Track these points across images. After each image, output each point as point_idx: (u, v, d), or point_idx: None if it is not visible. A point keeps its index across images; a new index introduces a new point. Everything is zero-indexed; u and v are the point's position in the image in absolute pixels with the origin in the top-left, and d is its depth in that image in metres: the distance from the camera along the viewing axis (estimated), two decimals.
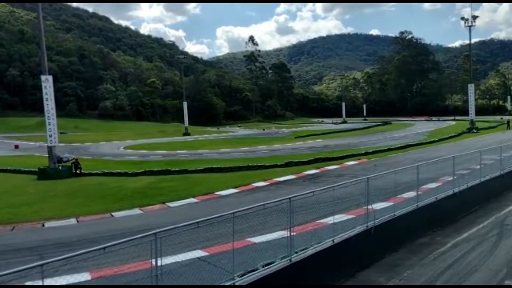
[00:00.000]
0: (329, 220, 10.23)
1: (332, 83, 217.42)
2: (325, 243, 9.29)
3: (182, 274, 7.77)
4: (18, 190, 24.84)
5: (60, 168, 30.21)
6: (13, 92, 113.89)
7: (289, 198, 8.53)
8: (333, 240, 9.43)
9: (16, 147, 58.22)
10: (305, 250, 8.75)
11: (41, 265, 5.08)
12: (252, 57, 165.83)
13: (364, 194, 10.88)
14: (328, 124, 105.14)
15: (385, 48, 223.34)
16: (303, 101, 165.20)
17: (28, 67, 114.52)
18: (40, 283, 5.25)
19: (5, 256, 12.01)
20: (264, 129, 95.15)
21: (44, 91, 29.84)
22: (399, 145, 38.74)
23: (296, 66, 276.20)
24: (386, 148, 37.04)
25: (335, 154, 33.66)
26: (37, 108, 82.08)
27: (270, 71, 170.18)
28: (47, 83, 29.79)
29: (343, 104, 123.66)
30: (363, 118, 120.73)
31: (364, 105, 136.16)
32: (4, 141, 70.08)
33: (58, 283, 6.67)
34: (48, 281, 5.28)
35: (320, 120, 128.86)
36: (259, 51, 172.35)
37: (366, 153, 33.69)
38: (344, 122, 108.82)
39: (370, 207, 10.60)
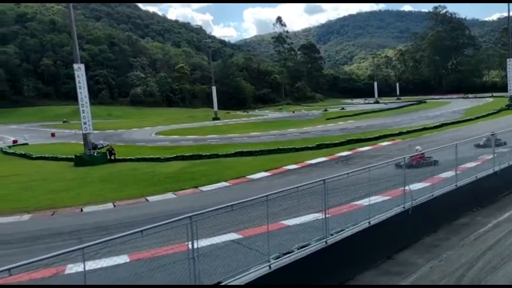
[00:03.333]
0: (365, 201, 10.04)
1: (363, 62, 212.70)
2: (361, 224, 9.13)
3: (218, 256, 7.80)
4: (56, 177, 25.66)
5: (95, 154, 30.97)
6: (48, 82, 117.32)
7: (323, 180, 8.39)
8: (369, 222, 9.25)
9: (53, 135, 60.21)
10: (340, 232, 8.62)
11: (82, 248, 5.17)
12: (280, 39, 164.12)
13: (400, 175, 10.60)
14: (360, 104, 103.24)
15: (418, 24, 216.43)
16: (334, 81, 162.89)
17: (60, 57, 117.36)
18: (81, 265, 5.36)
19: (47, 240, 12.44)
20: (293, 112, 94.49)
21: (77, 79, 30.48)
22: (434, 124, 37.64)
23: (326, 46, 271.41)
24: (421, 127, 36.03)
25: (368, 135, 33.06)
26: (71, 96, 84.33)
27: (299, 52, 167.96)
28: (80, 72, 30.39)
29: (375, 83, 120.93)
30: (396, 98, 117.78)
31: (397, 84, 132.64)
32: (41, 129, 72.53)
33: (98, 266, 6.83)
34: (89, 264, 5.39)
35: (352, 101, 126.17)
36: (287, 32, 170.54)
37: (401, 133, 32.90)
38: (377, 102, 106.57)
39: (407, 187, 10.32)
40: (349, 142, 30.07)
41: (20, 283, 6.49)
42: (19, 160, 36.01)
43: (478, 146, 15.49)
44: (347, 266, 8.40)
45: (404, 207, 10.18)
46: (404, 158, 10.62)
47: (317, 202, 8.72)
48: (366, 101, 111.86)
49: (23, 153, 38.73)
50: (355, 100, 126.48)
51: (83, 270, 5.28)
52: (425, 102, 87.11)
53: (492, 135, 14.79)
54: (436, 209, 11.12)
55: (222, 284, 6.45)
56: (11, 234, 13.50)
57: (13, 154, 39.86)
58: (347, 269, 8.36)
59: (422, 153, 13.67)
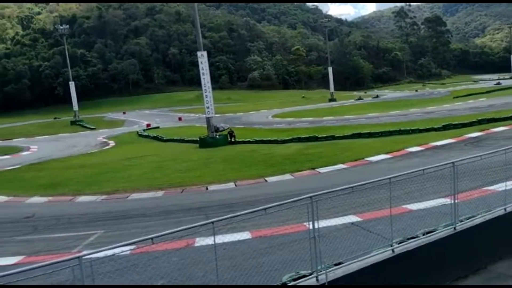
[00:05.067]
0: (500, 187, 9.11)
1: (497, 33, 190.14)
2: (495, 211, 8.32)
3: (338, 237, 7.80)
4: (183, 157, 27.84)
5: (217, 137, 32.83)
6: (174, 69, 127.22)
7: (452, 162, 7.80)
8: (505, 209, 8.39)
9: (180, 119, 65.37)
10: (472, 219, 7.97)
11: (212, 222, 5.56)
12: (401, 13, 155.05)
13: None
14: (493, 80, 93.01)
15: None
16: (462, 56, 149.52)
17: (185, 45, 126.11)
18: (208, 239, 5.76)
19: (178, 215, 13.66)
20: (416, 90, 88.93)
21: (200, 66, 32.40)
22: None
23: (453, 18, 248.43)
24: None
25: (503, 114, 29.61)
26: (195, 82, 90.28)
27: (422, 27, 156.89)
28: (203, 59, 32.23)
29: None
30: None
31: None
32: (169, 114, 79.14)
33: (222, 241, 7.32)
34: (216, 238, 5.78)
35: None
36: (410, 5, 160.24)
37: None
38: None
39: None
40: (480, 122, 27.33)
41: (156, 252, 7.24)
42: (152, 142, 39.86)
43: None
44: (478, 255, 7.76)
45: None
46: None
47: (443, 186, 8.17)
48: (501, 77, 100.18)
49: (155, 135, 42.73)
50: (487, 76, 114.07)
51: (210, 243, 5.67)
52: None
53: None
54: None
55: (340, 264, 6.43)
56: (150, 208, 15.09)
57: (147, 136, 44.24)
58: (478, 258, 7.72)
59: None
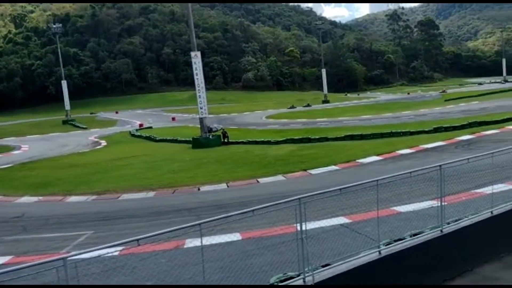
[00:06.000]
0: (487, 190, 9.22)
1: (489, 37, 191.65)
2: (482, 214, 8.41)
3: (326, 239, 7.84)
4: (176, 158, 27.77)
5: (210, 137, 32.80)
6: (168, 69, 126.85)
7: (439, 165, 7.88)
8: (491, 212, 8.49)
9: (173, 119, 65.16)
10: (458, 221, 8.05)
11: (199, 224, 5.57)
12: (395, 16, 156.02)
13: None
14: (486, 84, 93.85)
15: None
16: (455, 59, 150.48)
17: (179, 45, 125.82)
18: (197, 240, 5.77)
19: (169, 216, 13.62)
20: (408, 93, 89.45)
21: (194, 66, 32.36)
22: None
23: (446, 21, 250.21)
24: None
25: (495, 117, 29.89)
26: (189, 83, 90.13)
27: (415, 30, 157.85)
28: (196, 59, 32.20)
29: (503, 60, 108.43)
30: None
31: None
32: (163, 114, 78.87)
33: (213, 242, 7.32)
34: (205, 239, 5.79)
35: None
36: (403, 8, 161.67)
37: None
38: (505, 81, 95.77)
39: None
40: (471, 125, 27.56)
41: (145, 254, 7.24)
42: (145, 142, 39.70)
43: None
44: (464, 257, 7.84)
45: None
46: None
47: (432, 188, 8.26)
48: (493, 81, 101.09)
49: (148, 135, 42.59)
50: (479, 80, 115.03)
51: (200, 244, 5.67)
52: None
53: None
54: None
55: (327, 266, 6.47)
56: (140, 209, 15.04)
57: (140, 136, 44.05)
58: (464, 261, 7.80)
59: None
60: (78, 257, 4.94)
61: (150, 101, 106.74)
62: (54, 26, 77.62)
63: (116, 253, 6.07)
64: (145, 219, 13.49)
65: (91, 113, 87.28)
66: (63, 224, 13.80)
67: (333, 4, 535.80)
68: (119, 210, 15.07)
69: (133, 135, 45.92)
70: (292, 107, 69.47)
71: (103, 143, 41.65)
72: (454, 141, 23.21)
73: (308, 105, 70.88)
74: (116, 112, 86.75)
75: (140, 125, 56.54)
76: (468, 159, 8.62)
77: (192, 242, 8.32)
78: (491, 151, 9.06)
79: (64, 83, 73.91)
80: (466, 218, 8.21)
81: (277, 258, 7.86)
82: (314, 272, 6.18)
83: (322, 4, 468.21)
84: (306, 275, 6.13)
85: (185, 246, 8.99)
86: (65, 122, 71.55)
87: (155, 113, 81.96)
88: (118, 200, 17.00)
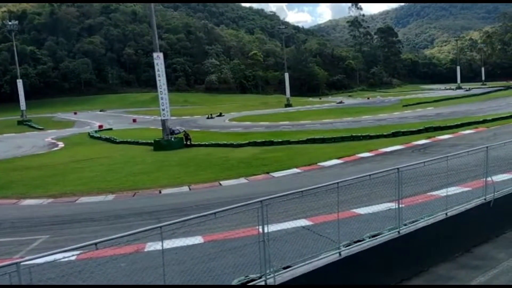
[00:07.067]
0: (442, 192, 9.56)
1: (445, 45, 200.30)
2: (437, 215, 8.73)
3: (288, 241, 7.90)
4: (137, 160, 27.25)
5: (172, 139, 32.40)
6: (129, 70, 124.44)
7: (397, 168, 8.12)
8: (446, 213, 8.82)
9: (134, 120, 64.01)
10: (415, 223, 8.32)
11: (160, 227, 5.48)
12: (355, 23, 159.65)
13: (482, 165, 9.93)
14: (440, 90, 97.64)
15: (508, 4, 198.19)
16: (412, 66, 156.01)
17: (141, 46, 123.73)
18: (159, 243, 5.68)
19: (129, 219, 13.32)
20: (368, 98, 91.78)
21: (156, 68, 31.90)
22: None
23: (404, 29, 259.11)
24: (509, 115, 33.25)
25: (449, 122, 31.20)
26: (151, 84, 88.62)
27: (375, 37, 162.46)
28: (159, 60, 31.76)
29: (458, 68, 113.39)
30: (481, 83, 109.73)
31: (483, 68, 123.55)
32: (123, 115, 77.24)
33: (175, 245, 7.20)
34: (166, 243, 5.70)
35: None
36: (363, 15, 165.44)
37: (485, 121, 30.61)
38: (459, 88, 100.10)
39: (489, 178, 9.66)
40: (427, 130, 28.63)
41: (104, 258, 7.05)
42: (104, 144, 38.73)
43: None
44: (421, 258, 8.11)
45: (485, 199, 9.56)
46: (487, 147, 9.90)
47: (390, 191, 8.47)
48: (447, 88, 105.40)
49: (108, 137, 41.56)
50: (435, 86, 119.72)
51: (161, 248, 5.59)
52: None
53: None
54: None
55: (288, 268, 6.52)
56: (99, 212, 14.62)
57: (99, 138, 42.94)
58: (420, 261, 8.07)
59: None
60: (32, 262, 4.75)
61: (110, 102, 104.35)
62: (10, 23, 74.73)
63: (73, 258, 5.87)
64: (103, 223, 13.12)
65: (74, 113, 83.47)
66: (17, 228, 13.22)
67: (296, 8, 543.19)
68: (76, 214, 14.59)
69: (92, 137, 44.72)
70: (210, 117, 62.78)
71: (61, 144, 40.35)
72: (411, 145, 23.99)
73: (221, 115, 65.44)
74: (75, 113, 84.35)
75: (100, 126, 55.17)
76: (424, 162, 8.93)
77: (153, 246, 8.17)
78: (446, 155, 9.42)
79: (19, 82, 71.32)
80: (422, 220, 8.49)
81: (239, 260, 7.84)
82: (276, 274, 6.22)
83: (286, 9, 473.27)
84: (268, 277, 6.16)
85: (145, 250, 8.83)
86: (20, 123, 68.98)
87: (115, 115, 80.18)
88: (76, 204, 16.47)
